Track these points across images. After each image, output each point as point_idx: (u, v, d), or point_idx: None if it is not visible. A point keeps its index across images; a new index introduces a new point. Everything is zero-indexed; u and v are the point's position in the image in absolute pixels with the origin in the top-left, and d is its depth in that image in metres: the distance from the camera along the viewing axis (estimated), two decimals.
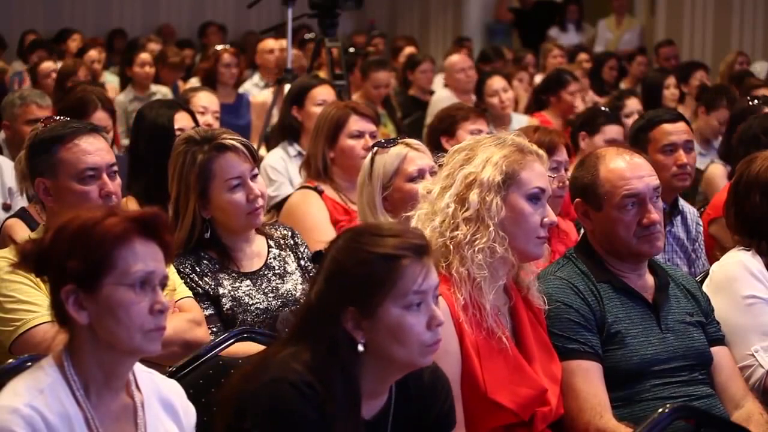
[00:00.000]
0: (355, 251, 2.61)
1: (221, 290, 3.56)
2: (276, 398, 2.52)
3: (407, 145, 4.01)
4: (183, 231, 3.56)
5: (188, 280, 3.53)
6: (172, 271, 3.35)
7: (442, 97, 8.87)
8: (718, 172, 5.85)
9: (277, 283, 3.64)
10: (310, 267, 3.69)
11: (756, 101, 6.08)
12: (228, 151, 3.56)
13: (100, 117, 5.14)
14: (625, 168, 3.47)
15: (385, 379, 2.68)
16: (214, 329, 3.50)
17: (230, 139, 3.59)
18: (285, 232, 3.79)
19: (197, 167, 3.54)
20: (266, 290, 3.60)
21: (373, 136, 4.86)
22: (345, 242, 2.64)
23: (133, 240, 2.42)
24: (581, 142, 5.81)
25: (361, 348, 2.59)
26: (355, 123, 4.86)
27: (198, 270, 3.56)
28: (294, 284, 3.67)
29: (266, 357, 2.67)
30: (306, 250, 3.76)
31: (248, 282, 3.60)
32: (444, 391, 2.82)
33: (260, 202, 3.58)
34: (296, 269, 3.71)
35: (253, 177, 3.59)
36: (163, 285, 2.48)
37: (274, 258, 3.69)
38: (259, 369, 2.61)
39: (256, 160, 3.66)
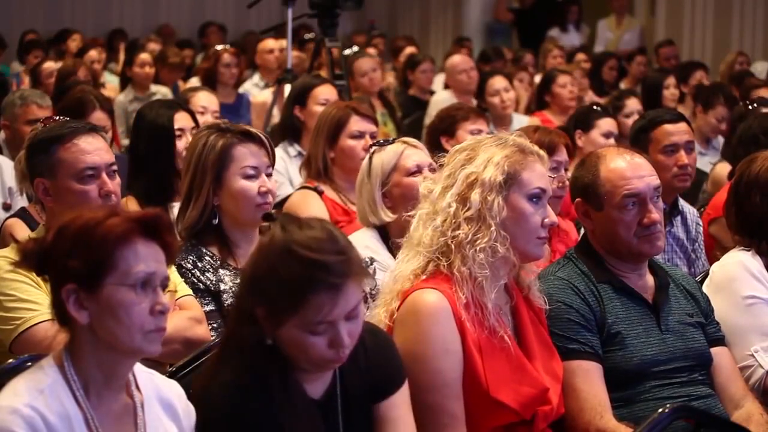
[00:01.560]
0: (273, 260, 2.56)
1: (222, 286, 3.57)
2: (225, 406, 2.57)
3: (404, 142, 4.03)
4: (195, 210, 3.59)
5: (190, 276, 3.55)
6: (172, 271, 3.35)
7: (442, 97, 8.85)
8: (725, 172, 5.77)
9: None
10: None
11: (754, 105, 6.08)
12: (251, 140, 3.62)
13: (98, 117, 5.16)
14: (626, 168, 3.46)
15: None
16: (215, 325, 3.51)
17: (255, 131, 3.65)
18: None
19: (218, 150, 3.57)
20: None
21: (373, 136, 4.87)
22: (274, 240, 2.59)
23: (135, 240, 2.42)
24: (578, 141, 5.82)
25: (269, 342, 2.60)
26: (356, 123, 4.87)
27: (200, 266, 3.58)
28: None
29: (213, 360, 2.71)
30: None
31: None
32: (388, 347, 2.83)
33: (270, 198, 3.61)
34: None
35: (268, 174, 3.63)
36: (164, 286, 2.48)
37: None
38: (209, 376, 2.65)
39: (274, 160, 3.69)
